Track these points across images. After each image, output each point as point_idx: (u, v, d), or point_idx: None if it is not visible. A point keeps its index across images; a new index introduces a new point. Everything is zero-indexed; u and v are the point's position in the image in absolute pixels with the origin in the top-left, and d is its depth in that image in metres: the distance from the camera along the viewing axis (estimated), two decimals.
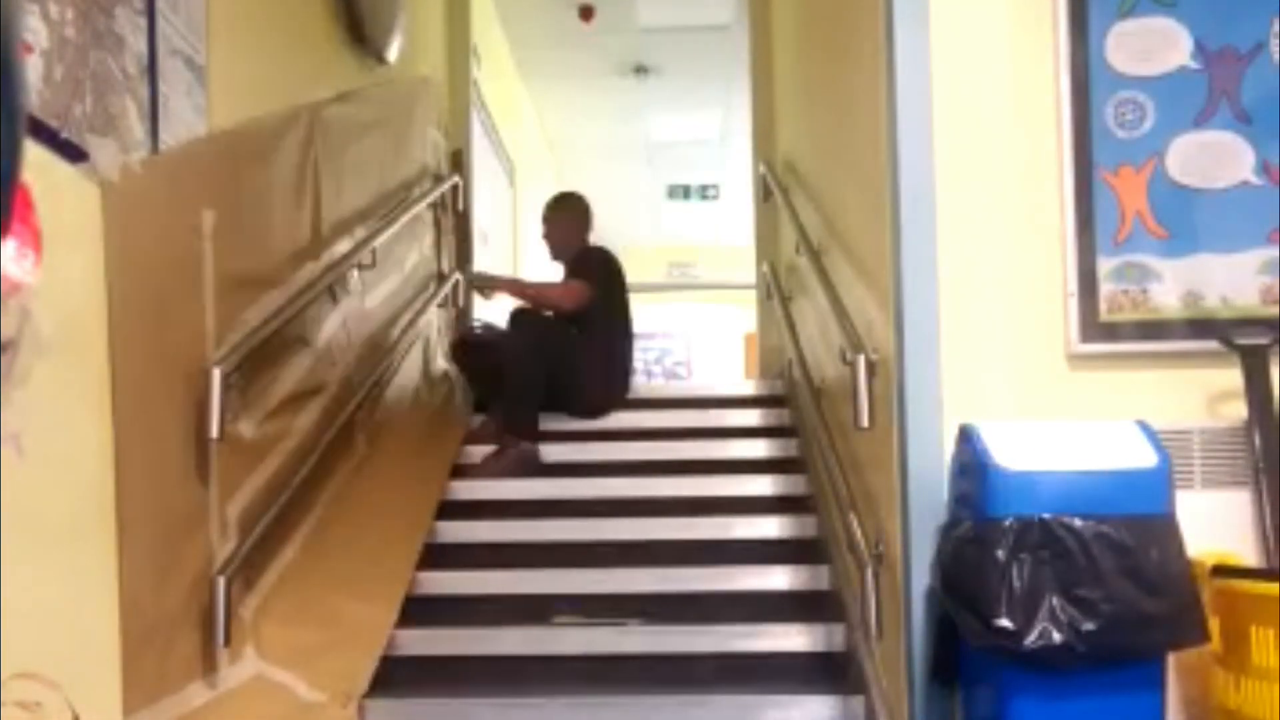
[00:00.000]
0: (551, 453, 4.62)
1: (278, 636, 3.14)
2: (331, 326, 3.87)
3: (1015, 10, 2.82)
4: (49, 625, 2.24)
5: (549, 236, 5.35)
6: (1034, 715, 2.36)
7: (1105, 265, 2.81)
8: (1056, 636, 2.27)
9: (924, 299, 2.75)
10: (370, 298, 4.37)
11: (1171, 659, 2.44)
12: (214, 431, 2.83)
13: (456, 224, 5.89)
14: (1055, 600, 2.29)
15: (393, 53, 4.69)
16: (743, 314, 10.22)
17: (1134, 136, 2.82)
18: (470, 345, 5.37)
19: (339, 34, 4.19)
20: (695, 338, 13.33)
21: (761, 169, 5.47)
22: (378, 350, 4.38)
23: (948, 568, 2.51)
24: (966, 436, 2.53)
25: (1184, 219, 2.80)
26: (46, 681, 2.05)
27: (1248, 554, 2.64)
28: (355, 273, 4.13)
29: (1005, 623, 2.29)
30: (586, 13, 7.21)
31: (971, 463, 2.47)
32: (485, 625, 3.49)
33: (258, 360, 3.14)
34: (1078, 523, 2.33)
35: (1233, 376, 2.73)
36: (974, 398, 2.72)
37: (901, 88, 2.79)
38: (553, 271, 5.56)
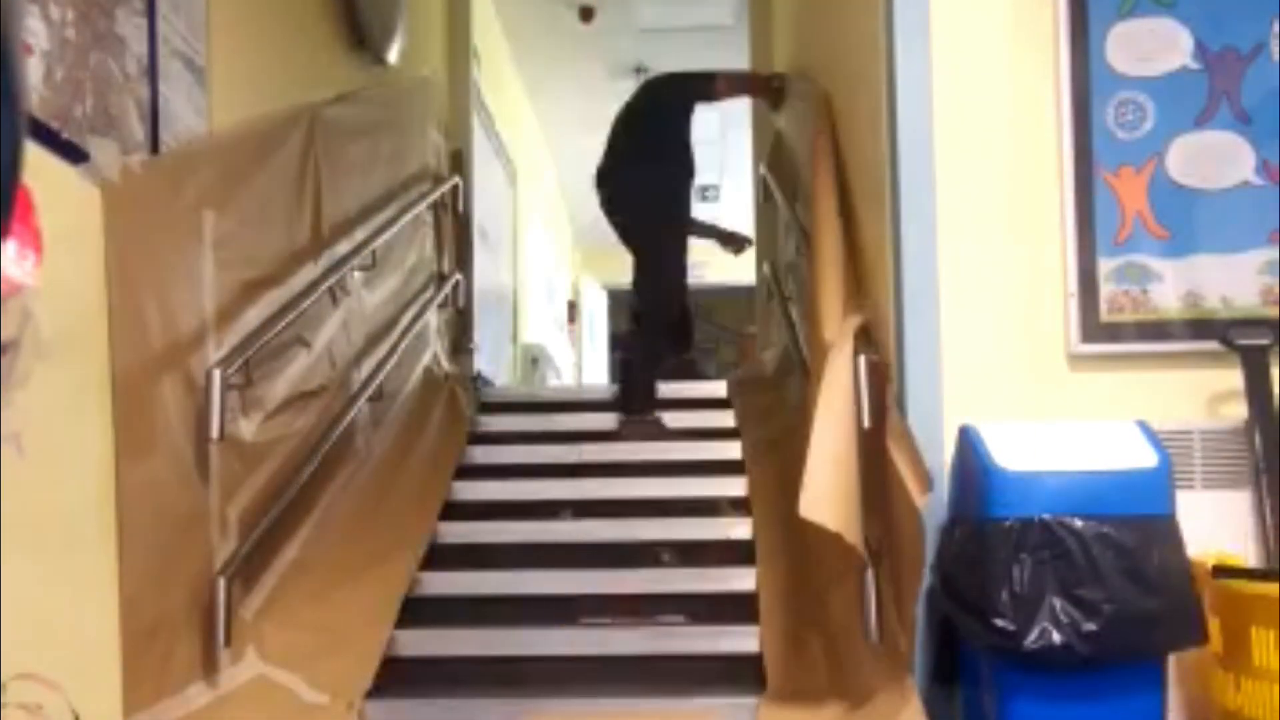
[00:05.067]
0: (552, 453, 4.61)
1: (279, 637, 3.14)
2: (332, 327, 3.87)
3: (1015, 11, 2.83)
4: (49, 626, 2.24)
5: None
6: (1034, 715, 2.36)
7: (1105, 266, 2.81)
8: (1056, 637, 2.27)
9: (924, 299, 2.75)
10: (371, 298, 4.37)
11: (1171, 659, 2.45)
12: (214, 432, 2.83)
13: (456, 224, 5.88)
14: (1055, 601, 2.29)
15: (393, 54, 4.69)
16: None
17: (1134, 137, 2.82)
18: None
19: (339, 35, 4.19)
20: None
21: (761, 169, 5.46)
22: (378, 351, 4.38)
23: (948, 568, 2.51)
24: (966, 437, 2.53)
25: (1184, 219, 2.80)
26: (47, 683, 2.05)
27: (1248, 554, 2.65)
28: (356, 273, 4.13)
29: (1005, 623, 2.29)
30: (586, 13, 7.21)
31: (971, 463, 2.47)
32: (485, 625, 3.49)
33: (258, 361, 3.14)
34: (1078, 523, 2.33)
35: (1233, 376, 2.74)
36: (974, 398, 2.73)
37: (902, 88, 2.79)
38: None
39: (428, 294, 5.23)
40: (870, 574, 2.82)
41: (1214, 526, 2.61)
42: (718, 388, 5.38)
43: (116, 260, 2.49)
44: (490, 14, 7.20)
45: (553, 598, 3.59)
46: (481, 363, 6.20)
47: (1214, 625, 2.43)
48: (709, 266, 12.72)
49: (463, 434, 4.86)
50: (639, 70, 8.36)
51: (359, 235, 4.17)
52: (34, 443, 2.17)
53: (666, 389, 5.00)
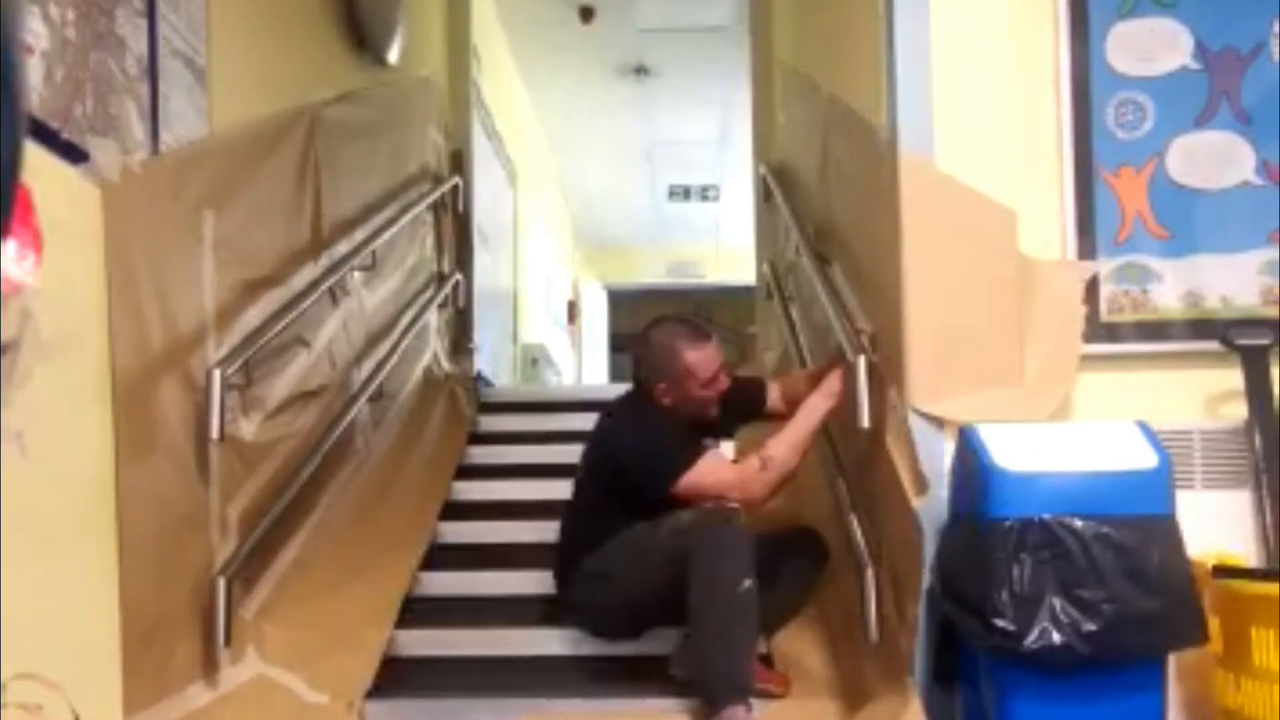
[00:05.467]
0: (548, 453, 4.61)
1: (279, 637, 3.14)
2: (332, 327, 3.87)
3: (1015, 11, 2.82)
4: (49, 626, 2.24)
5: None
6: (1034, 716, 2.36)
7: (1106, 266, 2.81)
8: (1056, 637, 2.27)
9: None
10: (371, 298, 4.37)
11: (1171, 659, 2.45)
12: (214, 432, 2.83)
13: (456, 224, 5.89)
14: (1056, 601, 2.29)
15: (393, 53, 4.69)
16: None
17: (1134, 137, 2.82)
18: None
19: (339, 35, 4.19)
20: None
21: (762, 169, 5.46)
22: (378, 351, 4.38)
23: (948, 568, 2.51)
24: (966, 437, 2.53)
25: (1184, 219, 2.80)
26: (47, 682, 2.05)
27: (1248, 554, 2.65)
28: (356, 273, 4.13)
29: (1005, 623, 2.29)
30: (586, 13, 7.21)
31: (972, 463, 2.47)
32: (485, 625, 3.49)
33: (258, 361, 3.14)
34: (1078, 523, 2.33)
35: (1233, 376, 2.74)
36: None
37: (901, 89, 2.79)
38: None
39: (428, 294, 5.23)
40: (870, 574, 2.82)
41: (1214, 526, 2.61)
42: None
43: (116, 260, 2.49)
44: (490, 14, 7.20)
45: (554, 597, 3.59)
46: (481, 363, 6.20)
47: (1214, 625, 2.43)
48: (707, 265, 12.79)
49: (463, 434, 4.86)
50: (639, 70, 8.37)
51: (359, 235, 4.17)
52: (34, 443, 2.17)
53: None
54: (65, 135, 2.31)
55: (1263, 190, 2.79)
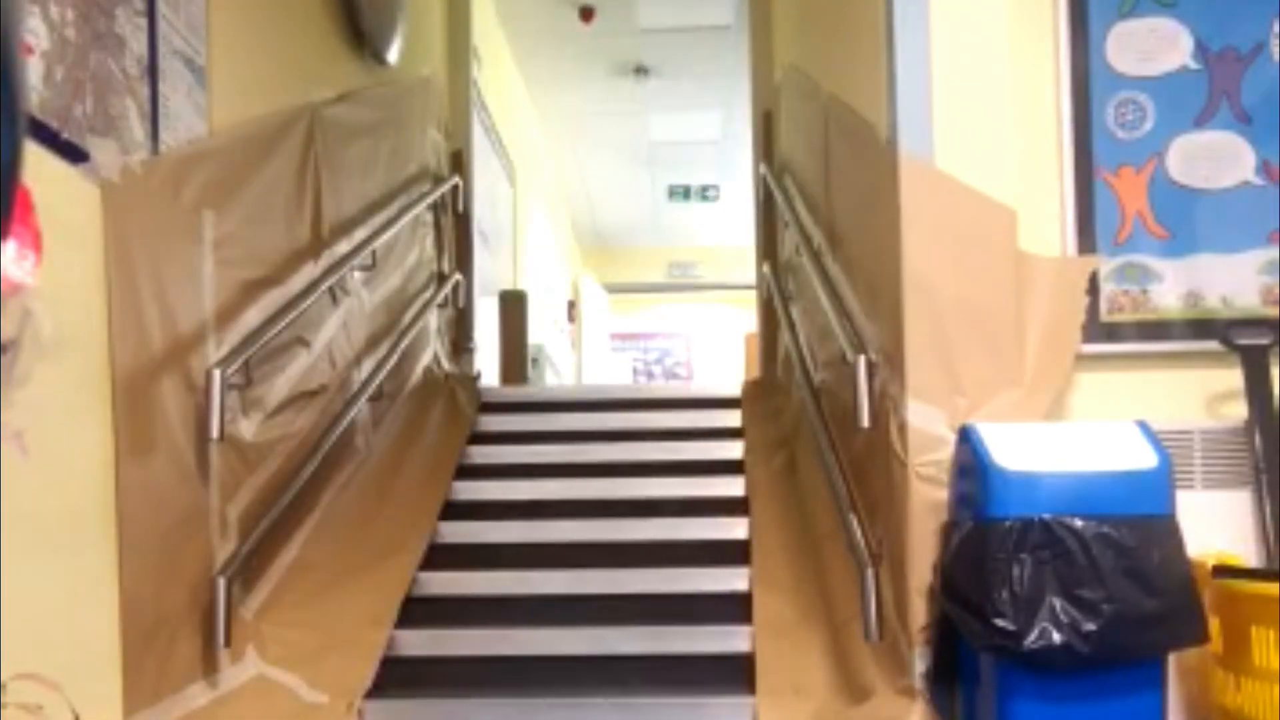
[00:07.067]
0: (549, 453, 4.61)
1: (279, 637, 3.14)
2: (332, 327, 3.87)
3: (1015, 11, 2.83)
4: (49, 626, 2.24)
5: None
6: (1034, 715, 2.36)
7: (1106, 265, 2.81)
8: (1056, 637, 2.27)
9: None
10: (371, 298, 4.37)
11: (1171, 659, 2.45)
12: (214, 432, 2.83)
13: (456, 224, 5.89)
14: (1056, 600, 2.29)
15: (393, 53, 4.69)
16: (743, 314, 10.23)
17: (1134, 137, 2.82)
18: None
19: (339, 35, 4.19)
20: (695, 338, 13.35)
21: (761, 169, 5.47)
22: (378, 351, 4.38)
23: (948, 568, 2.51)
24: (966, 436, 2.53)
25: (1184, 219, 2.80)
26: (47, 682, 2.05)
27: (1248, 554, 2.65)
28: (356, 273, 4.13)
29: (1005, 623, 2.29)
30: (586, 13, 7.21)
31: (971, 463, 2.47)
32: (485, 625, 3.49)
33: (258, 361, 3.14)
34: (1078, 523, 2.33)
35: (1233, 376, 2.74)
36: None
37: (901, 88, 2.79)
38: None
39: (428, 294, 5.23)
40: (870, 574, 2.82)
41: (1214, 526, 2.62)
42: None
43: (116, 260, 2.49)
44: (490, 14, 7.20)
45: (553, 598, 3.59)
46: (480, 362, 6.20)
47: (1214, 625, 2.44)
48: (707, 265, 12.81)
49: (463, 434, 4.86)
50: (639, 70, 8.37)
51: (359, 235, 4.17)
52: (34, 442, 2.17)
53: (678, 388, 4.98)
54: (65, 135, 2.31)
55: (1263, 190, 2.80)
